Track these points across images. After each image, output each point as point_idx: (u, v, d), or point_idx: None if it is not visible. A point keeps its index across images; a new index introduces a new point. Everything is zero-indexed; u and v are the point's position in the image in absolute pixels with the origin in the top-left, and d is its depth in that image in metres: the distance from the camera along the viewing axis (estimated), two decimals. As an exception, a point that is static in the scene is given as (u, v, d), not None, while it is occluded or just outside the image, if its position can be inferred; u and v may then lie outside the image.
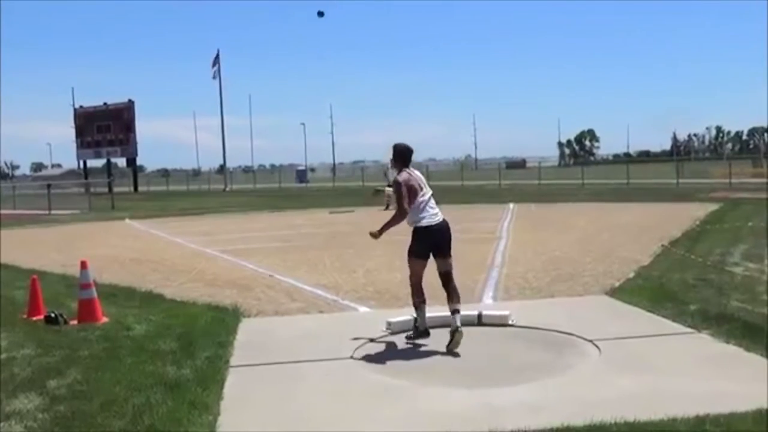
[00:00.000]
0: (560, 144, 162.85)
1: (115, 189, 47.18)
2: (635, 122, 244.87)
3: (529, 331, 6.94)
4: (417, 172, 6.83)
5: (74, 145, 69.63)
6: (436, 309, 6.92)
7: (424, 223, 6.59)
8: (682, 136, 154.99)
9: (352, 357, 6.19)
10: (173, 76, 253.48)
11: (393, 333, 6.95)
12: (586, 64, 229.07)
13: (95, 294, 7.94)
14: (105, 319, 7.75)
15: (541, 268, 10.68)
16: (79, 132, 68.39)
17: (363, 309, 8.28)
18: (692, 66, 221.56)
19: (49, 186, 35.05)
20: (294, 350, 6.42)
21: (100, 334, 7.06)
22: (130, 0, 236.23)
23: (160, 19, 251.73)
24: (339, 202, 30.88)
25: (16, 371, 5.85)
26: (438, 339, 6.62)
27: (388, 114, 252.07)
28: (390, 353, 6.38)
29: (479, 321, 7.26)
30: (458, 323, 6.35)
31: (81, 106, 69.40)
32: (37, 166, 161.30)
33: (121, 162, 70.66)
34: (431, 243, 6.64)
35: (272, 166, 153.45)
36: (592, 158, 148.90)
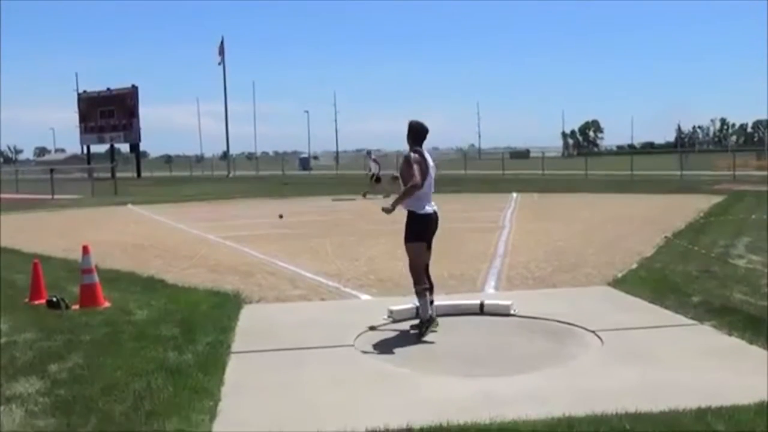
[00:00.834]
0: (564, 134, 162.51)
1: (118, 174, 47.15)
2: (640, 114, 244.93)
3: (531, 321, 6.92)
4: (428, 156, 6.70)
5: (77, 130, 69.51)
6: (440, 298, 6.91)
7: (429, 209, 6.55)
8: (686, 128, 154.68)
9: (353, 345, 6.18)
10: (176, 61, 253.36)
11: (394, 321, 6.94)
12: (591, 54, 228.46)
13: (97, 279, 7.93)
14: (107, 304, 7.75)
15: (543, 258, 10.66)
16: (83, 117, 68.24)
17: (364, 297, 8.27)
18: (697, 58, 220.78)
19: (52, 171, 35.04)
20: (295, 337, 6.41)
21: (102, 319, 7.05)
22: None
23: (165, 4, 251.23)
24: (342, 189, 30.83)
25: (17, 355, 5.85)
26: (441, 327, 6.64)
27: (391, 103, 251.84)
28: (391, 341, 6.37)
29: (481, 310, 7.25)
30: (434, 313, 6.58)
31: (84, 91, 69.26)
32: (41, 151, 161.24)
33: (124, 147, 70.71)
34: (429, 231, 6.61)
35: (275, 153, 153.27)
36: (595, 149, 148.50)
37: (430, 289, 6.62)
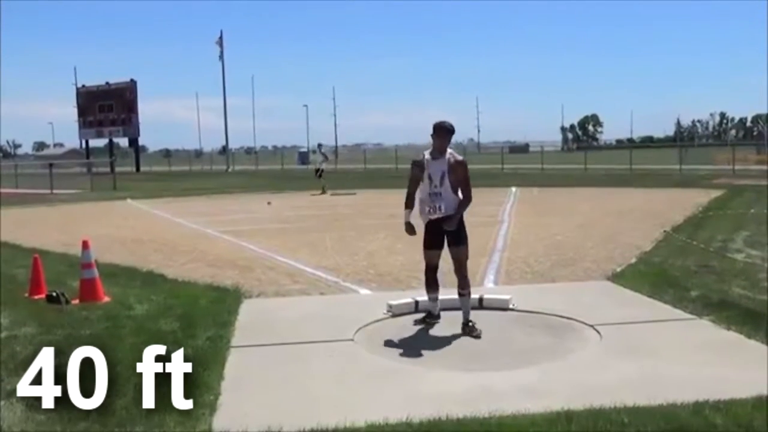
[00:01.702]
0: (563, 129, 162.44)
1: (117, 169, 47.18)
2: (639, 108, 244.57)
3: (530, 315, 6.94)
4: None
5: (76, 124, 69.56)
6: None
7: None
8: (686, 122, 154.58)
9: (353, 339, 6.20)
10: (175, 56, 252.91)
11: (394, 315, 6.96)
12: (591, 48, 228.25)
13: (97, 274, 7.94)
14: (107, 299, 7.76)
15: (542, 252, 10.68)
16: (81, 111, 68.26)
17: (364, 291, 8.29)
18: (695, 52, 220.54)
19: (51, 165, 35.03)
20: (295, 331, 6.43)
21: (102, 314, 7.05)
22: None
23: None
24: (341, 184, 30.83)
25: (18, 349, 5.85)
26: (441, 321, 6.68)
27: (390, 97, 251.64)
28: (391, 336, 6.38)
29: (480, 304, 7.26)
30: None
31: (83, 86, 69.25)
32: (39, 146, 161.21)
33: (123, 142, 70.66)
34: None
35: (274, 147, 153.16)
36: (595, 143, 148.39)
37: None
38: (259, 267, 9.95)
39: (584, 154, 47.59)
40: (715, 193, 20.51)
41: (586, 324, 6.47)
